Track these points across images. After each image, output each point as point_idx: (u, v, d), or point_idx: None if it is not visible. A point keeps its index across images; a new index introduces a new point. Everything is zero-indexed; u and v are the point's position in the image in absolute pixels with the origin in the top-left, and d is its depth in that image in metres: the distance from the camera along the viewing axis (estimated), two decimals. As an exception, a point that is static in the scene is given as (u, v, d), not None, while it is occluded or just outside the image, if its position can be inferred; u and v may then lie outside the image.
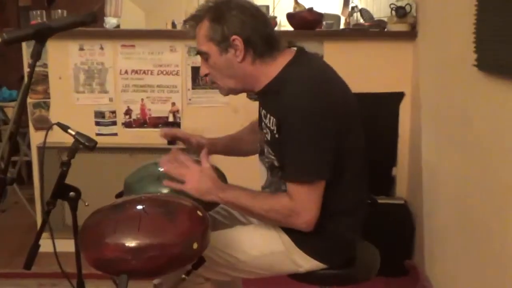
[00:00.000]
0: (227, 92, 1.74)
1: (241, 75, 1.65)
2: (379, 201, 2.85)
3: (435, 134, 2.59)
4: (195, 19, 1.66)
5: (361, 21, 3.26)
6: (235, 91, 1.74)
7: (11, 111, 3.73)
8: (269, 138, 1.68)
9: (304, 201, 1.56)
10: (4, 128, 4.12)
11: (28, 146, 3.50)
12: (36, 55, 1.48)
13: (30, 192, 3.49)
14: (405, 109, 3.03)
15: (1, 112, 3.65)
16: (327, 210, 1.61)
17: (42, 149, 2.98)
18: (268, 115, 1.68)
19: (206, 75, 1.71)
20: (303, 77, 1.58)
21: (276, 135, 1.62)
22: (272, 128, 1.65)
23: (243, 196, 1.63)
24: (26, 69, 2.99)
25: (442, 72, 2.44)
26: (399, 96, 3.01)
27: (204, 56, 1.66)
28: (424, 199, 2.74)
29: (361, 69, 2.96)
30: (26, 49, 2.94)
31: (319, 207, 1.57)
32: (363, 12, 3.23)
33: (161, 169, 1.73)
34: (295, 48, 1.70)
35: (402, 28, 2.87)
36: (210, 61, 1.66)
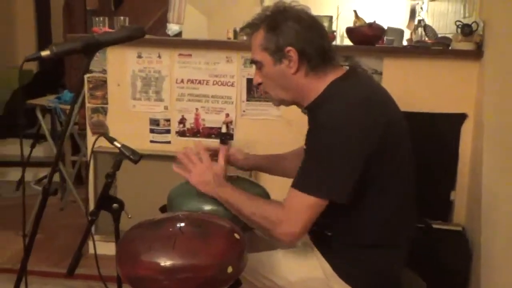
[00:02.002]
0: (279, 103, 1.72)
1: (294, 87, 1.63)
2: (434, 226, 2.74)
3: (497, 158, 2.46)
4: (251, 28, 1.66)
5: (425, 37, 3.15)
6: (286, 103, 1.71)
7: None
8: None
9: (293, 212, 1.49)
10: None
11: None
12: (85, 68, 1.50)
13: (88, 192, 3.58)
14: (467, 131, 2.89)
15: (62, 114, 3.75)
16: (367, 239, 1.54)
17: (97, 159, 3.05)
18: (312, 131, 1.63)
19: (259, 84, 1.70)
20: (343, 95, 1.54)
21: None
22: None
23: (238, 196, 1.62)
24: (86, 75, 3.06)
25: (509, 94, 2.31)
26: (461, 117, 2.88)
27: (258, 65, 1.65)
28: (483, 226, 2.60)
29: (421, 88, 2.85)
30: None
31: (308, 226, 1.50)
32: (427, 28, 3.11)
33: None
34: (347, 67, 1.66)
35: (468, 47, 2.74)
36: (263, 71, 1.64)
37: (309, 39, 1.58)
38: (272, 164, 2.02)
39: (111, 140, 1.70)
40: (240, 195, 1.63)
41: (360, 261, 1.56)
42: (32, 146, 4.40)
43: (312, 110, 1.64)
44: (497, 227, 2.39)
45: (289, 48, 1.57)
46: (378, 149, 1.49)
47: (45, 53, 1.36)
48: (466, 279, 2.76)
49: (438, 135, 2.90)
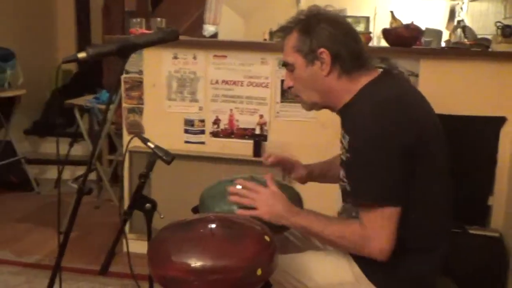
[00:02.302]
0: (310, 106, 1.71)
1: (325, 90, 1.62)
2: (471, 231, 2.68)
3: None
4: (284, 30, 1.66)
5: (463, 39, 3.09)
6: (318, 106, 1.70)
7: (109, 114, 3.90)
8: (344, 159, 1.63)
9: (375, 228, 1.47)
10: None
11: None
12: (120, 70, 1.52)
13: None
14: (506, 135, 2.82)
15: (100, 114, 3.82)
16: (401, 244, 1.52)
17: (132, 159, 3.09)
18: (345, 135, 1.62)
19: (290, 87, 1.69)
20: (377, 97, 1.52)
21: (348, 155, 1.56)
22: (346, 148, 1.60)
23: (315, 222, 1.58)
24: (123, 75, 3.10)
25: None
26: (500, 120, 2.81)
27: (290, 67, 1.65)
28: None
29: (459, 90, 2.80)
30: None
31: (394, 236, 1.47)
32: (466, 29, 3.05)
33: (237, 187, 1.72)
34: (381, 69, 1.64)
35: (508, 49, 2.68)
36: (295, 73, 1.64)
37: (342, 42, 1.57)
38: (325, 173, 2.01)
39: (145, 140, 1.72)
40: (316, 220, 1.58)
41: (391, 266, 1.54)
42: (70, 145, 4.50)
43: (344, 113, 1.63)
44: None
45: (322, 49, 1.56)
46: (415, 151, 1.47)
47: (81, 55, 1.39)
48: (502, 287, 2.70)
49: (476, 138, 2.84)
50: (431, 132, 1.55)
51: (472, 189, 2.87)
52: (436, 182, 1.56)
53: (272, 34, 3.91)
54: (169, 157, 1.69)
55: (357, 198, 1.52)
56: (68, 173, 4.68)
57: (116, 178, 4.50)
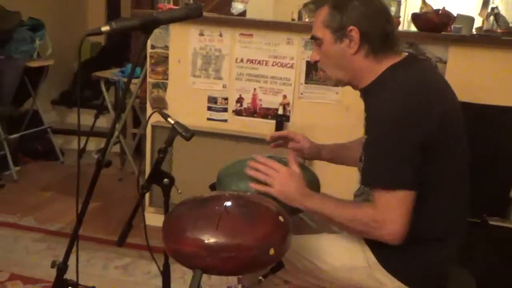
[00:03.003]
0: (335, 83, 1.69)
1: (351, 68, 1.61)
2: (491, 222, 2.65)
3: None
4: (316, 3, 1.67)
5: (496, 27, 3.01)
6: (342, 83, 1.68)
7: (133, 87, 3.93)
8: (364, 140, 1.62)
9: (388, 211, 1.46)
10: (128, 102, 4.37)
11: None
12: (143, 45, 1.53)
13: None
14: (533, 127, 2.77)
15: (125, 87, 3.85)
16: (416, 232, 1.51)
17: (155, 133, 3.11)
18: (366, 117, 1.62)
19: (316, 62, 1.68)
20: (400, 82, 1.50)
21: (366, 137, 1.56)
22: (365, 130, 1.60)
23: (327, 205, 1.58)
24: (149, 50, 3.12)
25: None
26: (528, 111, 2.76)
27: (318, 42, 1.64)
28: (543, 227, 2.50)
29: (487, 79, 2.75)
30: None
31: (407, 220, 1.46)
32: (497, 17, 2.98)
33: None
34: (406, 53, 1.62)
35: (540, 39, 2.62)
36: (323, 48, 1.63)
37: (373, 22, 1.55)
38: (336, 154, 2.00)
39: (165, 116, 1.73)
40: (328, 204, 1.58)
41: (406, 253, 1.54)
42: (96, 117, 4.56)
43: (367, 93, 1.62)
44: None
45: (351, 27, 1.55)
46: (434, 137, 1.46)
47: (104, 28, 1.40)
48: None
49: (501, 128, 2.78)
50: (452, 121, 1.53)
51: (494, 180, 2.83)
52: (453, 170, 1.55)
53: (301, 13, 3.86)
54: (189, 134, 1.70)
55: (371, 181, 1.51)
56: (93, 144, 4.75)
57: (139, 152, 4.55)
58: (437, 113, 1.47)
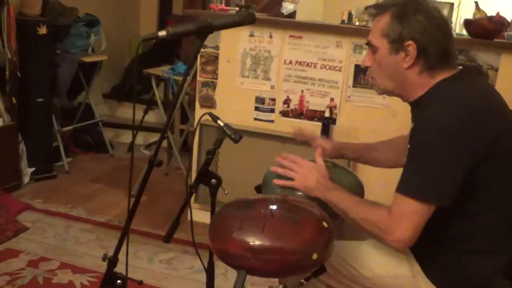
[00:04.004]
0: (383, 92, 1.67)
1: (402, 81, 1.58)
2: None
3: None
4: (378, 9, 1.60)
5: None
6: (391, 93, 1.67)
7: (184, 85, 4.00)
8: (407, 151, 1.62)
9: (402, 219, 1.46)
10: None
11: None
12: (197, 49, 1.58)
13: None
14: None
15: (175, 84, 3.93)
16: (465, 245, 1.53)
17: (202, 132, 3.17)
18: (413, 127, 1.60)
19: (367, 67, 1.66)
20: (454, 96, 1.48)
21: (408, 147, 1.55)
22: (409, 139, 1.59)
23: (345, 200, 1.61)
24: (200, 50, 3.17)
25: None
26: None
27: (372, 49, 1.60)
28: None
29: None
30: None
31: (418, 232, 1.45)
32: (554, 25, 2.91)
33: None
34: (460, 67, 1.60)
35: None
36: (376, 56, 1.59)
37: (433, 38, 1.51)
38: (360, 154, 2.01)
39: (215, 118, 1.77)
40: (347, 198, 1.61)
41: (452, 265, 1.54)
42: (145, 112, 4.65)
43: (416, 107, 1.60)
44: None
45: (410, 42, 1.51)
46: (487, 154, 1.44)
47: (161, 33, 1.46)
48: None
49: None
50: (505, 136, 1.50)
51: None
52: (507, 185, 1.52)
53: (351, 15, 3.85)
54: (237, 136, 1.74)
55: (400, 185, 1.50)
56: (141, 138, 4.86)
57: (186, 148, 4.63)
58: (494, 128, 1.45)
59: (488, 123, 1.46)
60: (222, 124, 1.76)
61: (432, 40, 1.51)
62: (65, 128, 4.30)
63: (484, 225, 1.54)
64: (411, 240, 1.47)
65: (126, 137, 5.06)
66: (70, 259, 2.87)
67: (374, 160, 1.97)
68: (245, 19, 1.51)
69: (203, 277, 2.72)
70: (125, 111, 5.43)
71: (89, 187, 3.95)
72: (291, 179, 1.72)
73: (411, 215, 1.45)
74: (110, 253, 1.71)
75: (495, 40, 2.75)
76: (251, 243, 1.39)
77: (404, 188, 1.48)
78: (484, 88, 1.58)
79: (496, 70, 2.71)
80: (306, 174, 1.69)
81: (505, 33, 2.78)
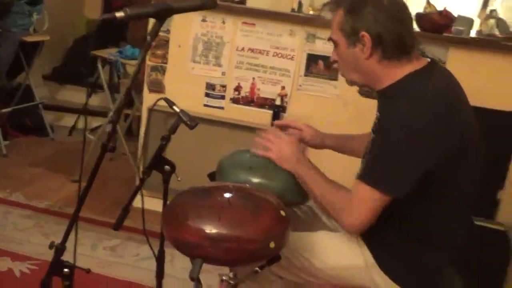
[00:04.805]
0: (351, 83, 1.71)
1: (366, 71, 1.61)
2: (477, 223, 2.69)
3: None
4: (333, 5, 1.63)
5: (496, 31, 3.04)
6: (358, 84, 1.71)
7: (131, 68, 3.90)
8: (371, 141, 1.63)
9: (360, 205, 1.51)
10: (123, 82, 4.34)
11: (142, 102, 3.65)
12: (155, 33, 1.53)
13: (137, 145, 3.66)
14: (524, 132, 2.82)
15: (122, 67, 3.83)
16: (417, 236, 1.56)
17: (149, 118, 3.10)
18: (379, 117, 1.64)
19: (334, 62, 1.69)
20: (423, 91, 1.50)
21: (373, 136, 1.59)
22: (374, 130, 1.62)
23: (312, 177, 1.65)
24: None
25: None
26: (521, 117, 2.80)
27: (334, 44, 1.64)
28: (529, 231, 2.55)
29: (484, 82, 2.78)
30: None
31: (373, 219, 1.50)
32: (499, 22, 3.01)
33: (255, 158, 1.76)
34: (428, 59, 1.61)
35: (540, 46, 2.64)
36: (338, 51, 1.63)
37: (386, 27, 1.52)
38: (341, 144, 2.02)
39: (171, 104, 1.73)
40: (316, 176, 1.65)
41: (405, 256, 1.57)
42: (89, 95, 4.53)
43: (383, 96, 1.62)
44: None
45: (363, 33, 1.53)
46: (450, 150, 1.47)
47: (119, 14, 1.40)
48: (501, 281, 2.72)
49: (494, 132, 2.81)
50: (468, 131, 1.54)
51: (483, 180, 2.87)
52: (465, 180, 1.56)
53: (301, 4, 3.84)
54: (193, 123, 1.71)
55: (362, 173, 1.54)
56: (84, 122, 4.72)
57: (131, 133, 4.53)
58: (456, 122, 1.48)
59: (452, 121, 1.48)
60: (178, 110, 1.72)
61: (385, 29, 1.53)
62: (3, 110, 4.11)
63: (436, 217, 1.57)
64: (366, 225, 1.51)
65: (67, 120, 4.88)
66: (9, 246, 2.75)
67: (352, 150, 1.98)
68: (206, 3, 1.47)
69: (149, 264, 2.69)
70: (67, 94, 5.25)
71: (28, 171, 3.79)
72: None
73: (368, 201, 1.49)
74: (51, 240, 1.65)
75: (444, 34, 2.81)
76: (208, 232, 1.37)
77: (365, 176, 1.52)
78: (449, 83, 1.60)
79: (444, 63, 2.77)
80: (282, 145, 1.73)
81: (453, 27, 2.85)
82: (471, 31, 3.29)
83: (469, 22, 3.28)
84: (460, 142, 1.49)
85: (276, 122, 2.03)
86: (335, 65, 1.71)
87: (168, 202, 1.66)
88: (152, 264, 1.92)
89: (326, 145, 2.00)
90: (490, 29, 3.10)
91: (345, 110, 2.97)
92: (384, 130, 1.53)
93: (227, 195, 1.47)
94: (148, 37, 1.47)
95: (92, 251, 2.82)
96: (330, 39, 1.65)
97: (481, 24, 3.53)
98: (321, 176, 1.65)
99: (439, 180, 1.51)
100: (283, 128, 1.99)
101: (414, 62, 1.57)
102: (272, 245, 1.40)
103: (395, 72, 1.56)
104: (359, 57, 1.57)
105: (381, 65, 1.56)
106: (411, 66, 1.56)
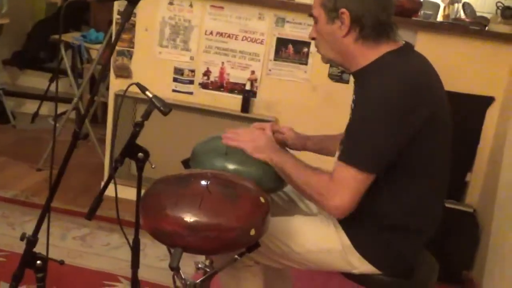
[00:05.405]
0: (327, 61, 1.70)
1: (342, 50, 1.60)
2: (447, 205, 2.74)
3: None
4: None
5: (462, 15, 3.08)
6: (334, 63, 1.71)
7: (95, 53, 3.81)
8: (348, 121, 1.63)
9: (342, 186, 1.49)
10: (87, 67, 4.23)
11: (107, 88, 3.57)
12: (127, 16, 1.48)
13: (102, 132, 3.59)
14: (491, 115, 2.87)
15: (86, 52, 3.73)
16: (391, 220, 1.57)
17: (118, 103, 3.03)
18: (355, 99, 1.63)
19: (313, 38, 1.68)
20: (398, 69, 1.51)
21: (350, 117, 1.58)
22: (351, 111, 1.61)
23: (290, 164, 1.63)
24: (115, 16, 3.02)
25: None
26: (488, 100, 2.85)
27: (314, 19, 1.63)
28: (496, 212, 2.61)
29: (452, 66, 2.80)
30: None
31: (356, 200, 1.49)
32: (465, 6, 3.04)
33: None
34: (403, 42, 1.62)
35: (506, 30, 2.68)
36: (317, 27, 1.63)
37: (367, 8, 1.53)
38: (322, 146, 1.98)
39: (143, 89, 1.69)
40: (292, 163, 1.63)
41: (380, 240, 1.58)
42: (51, 81, 4.41)
43: (359, 77, 1.62)
44: (511, 214, 2.40)
45: (343, 10, 1.53)
46: (421, 131, 1.48)
47: (90, -4, 1.35)
48: (471, 261, 2.79)
49: (462, 115, 2.86)
50: (442, 113, 1.56)
51: (452, 163, 2.92)
52: (437, 161, 1.58)
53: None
54: (167, 109, 1.67)
55: (343, 155, 1.53)
56: (46, 109, 4.60)
57: (96, 119, 4.44)
58: (431, 105, 1.50)
59: (426, 99, 1.49)
60: (151, 95, 1.68)
61: (365, 10, 1.53)
62: (-39, 96, 3.97)
63: (411, 201, 1.58)
64: (350, 207, 1.49)
65: (29, 106, 4.74)
66: (-26, 238, 2.67)
67: (335, 151, 1.95)
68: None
69: (120, 253, 2.66)
70: (28, 79, 5.10)
71: (-10, 160, 3.69)
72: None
73: (350, 182, 1.48)
74: (19, 230, 1.59)
75: (413, 18, 2.83)
76: (187, 220, 1.34)
77: (344, 157, 1.50)
78: (425, 64, 1.61)
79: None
80: (254, 137, 1.72)
81: (422, 11, 2.87)
82: (437, 15, 3.33)
83: (436, 6, 3.32)
84: (433, 121, 1.50)
85: (255, 124, 1.95)
86: (314, 43, 1.69)
87: (142, 190, 1.62)
88: (124, 253, 1.88)
89: (307, 148, 1.98)
90: (455, 13, 3.14)
91: (314, 94, 2.96)
92: (360, 108, 1.54)
93: (205, 182, 1.44)
94: (122, 20, 1.42)
95: (61, 241, 2.75)
96: (310, 15, 1.64)
97: (444, 9, 3.57)
98: (299, 162, 1.64)
99: (412, 161, 1.52)
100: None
101: (390, 44, 1.57)
102: (252, 232, 1.38)
103: (371, 53, 1.56)
104: (336, 34, 1.58)
105: (357, 45, 1.57)
106: (387, 47, 1.56)
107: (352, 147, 1.51)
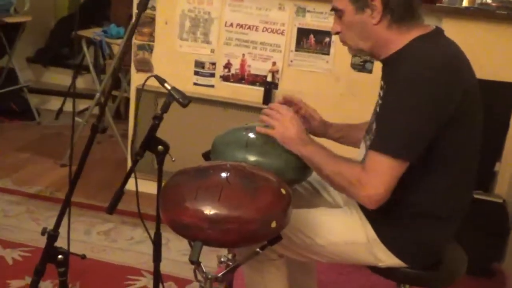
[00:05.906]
0: (356, 52, 1.66)
1: (373, 38, 1.56)
2: (475, 196, 2.68)
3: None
4: None
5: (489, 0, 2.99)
6: (364, 53, 1.66)
7: (116, 48, 3.81)
8: (377, 110, 1.58)
9: (376, 175, 1.44)
10: (109, 62, 4.24)
11: (129, 83, 3.57)
12: (143, 6, 1.46)
13: (125, 128, 3.60)
14: (521, 103, 2.78)
15: (108, 47, 3.74)
16: (419, 209, 1.52)
17: (138, 98, 3.03)
18: (384, 86, 1.59)
19: (337, 33, 1.63)
20: (430, 54, 1.46)
21: (381, 104, 1.54)
22: (381, 98, 1.57)
23: (320, 154, 1.58)
24: (135, 10, 3.01)
25: None
26: (517, 87, 2.77)
27: (338, 13, 1.59)
28: (526, 202, 2.54)
29: (479, 53, 2.69)
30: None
31: (390, 188, 1.44)
32: (492, -10, 2.95)
33: (250, 135, 1.70)
34: (433, 26, 1.57)
35: (534, 14, 2.60)
36: (344, 19, 1.58)
37: None
38: (344, 134, 1.94)
39: (162, 81, 1.67)
40: (322, 153, 1.58)
41: (407, 230, 1.54)
42: (74, 77, 4.44)
43: (390, 64, 1.58)
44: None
45: None
46: (454, 116, 1.44)
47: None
48: (501, 253, 2.72)
49: (490, 103, 2.77)
50: (474, 100, 1.51)
51: (480, 153, 2.85)
52: (466, 151, 1.54)
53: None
54: (186, 100, 1.65)
55: (376, 143, 1.49)
56: (70, 105, 4.61)
57: (119, 115, 4.45)
58: (463, 89, 1.45)
59: (458, 83, 1.45)
60: (169, 87, 1.66)
61: None
62: (-13, 95, 4.02)
63: (440, 190, 1.54)
64: (384, 197, 1.45)
65: (53, 103, 4.78)
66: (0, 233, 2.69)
67: (358, 141, 1.86)
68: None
69: (144, 248, 2.66)
70: (51, 76, 5.14)
71: (15, 156, 3.71)
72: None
73: (384, 171, 1.44)
74: (43, 225, 1.60)
75: (437, 4, 2.76)
76: (206, 213, 1.32)
77: (377, 145, 1.46)
78: (455, 49, 1.56)
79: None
80: (287, 124, 1.63)
81: (447, -3, 2.80)
82: (463, 0, 3.24)
83: (462, -9, 3.23)
84: (466, 107, 1.46)
85: (286, 95, 1.90)
86: (339, 37, 1.64)
87: (162, 184, 1.60)
88: (147, 248, 1.87)
89: (327, 135, 1.93)
90: (482, -2, 3.05)
91: (337, 85, 2.91)
92: (391, 95, 1.49)
93: (225, 174, 1.41)
94: (138, 11, 1.40)
95: (86, 236, 2.77)
96: (333, 9, 1.60)
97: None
98: (328, 152, 1.59)
99: (445, 147, 1.48)
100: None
101: (421, 28, 1.53)
102: (273, 224, 1.35)
103: (402, 38, 1.52)
104: (367, 23, 1.53)
105: (390, 31, 1.52)
106: (418, 31, 1.52)
107: (386, 135, 1.47)
